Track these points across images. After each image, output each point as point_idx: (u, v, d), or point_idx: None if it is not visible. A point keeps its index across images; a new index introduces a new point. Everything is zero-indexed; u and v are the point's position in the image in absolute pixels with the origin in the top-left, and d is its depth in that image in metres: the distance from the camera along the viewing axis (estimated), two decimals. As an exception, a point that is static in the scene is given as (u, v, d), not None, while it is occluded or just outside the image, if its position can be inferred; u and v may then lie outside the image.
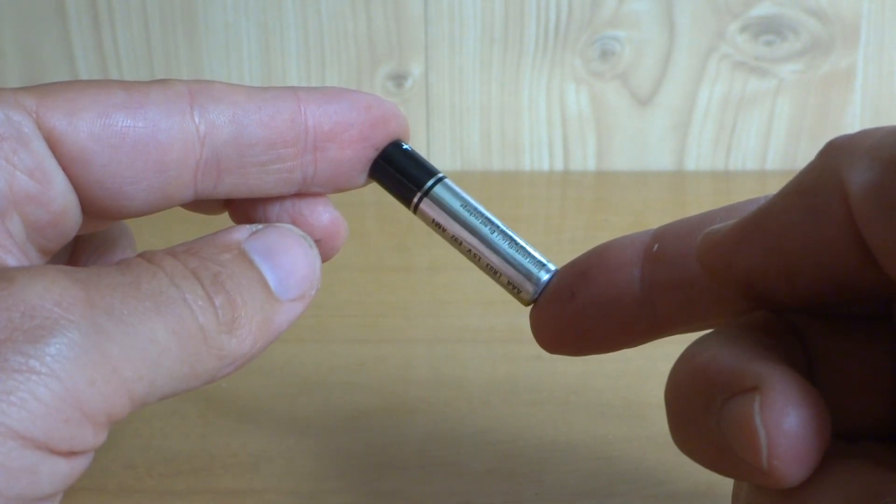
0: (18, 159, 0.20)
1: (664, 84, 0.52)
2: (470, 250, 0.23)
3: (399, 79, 0.52)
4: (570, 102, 0.52)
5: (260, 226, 0.21)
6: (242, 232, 0.21)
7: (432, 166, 0.23)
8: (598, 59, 0.51)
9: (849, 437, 0.19)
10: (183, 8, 0.51)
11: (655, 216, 0.44)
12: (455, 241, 0.23)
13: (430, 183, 0.23)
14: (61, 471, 0.17)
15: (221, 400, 0.31)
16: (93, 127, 0.20)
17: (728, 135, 0.52)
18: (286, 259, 0.21)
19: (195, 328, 0.19)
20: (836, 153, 0.17)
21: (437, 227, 0.23)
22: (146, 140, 0.21)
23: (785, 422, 0.16)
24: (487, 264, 0.23)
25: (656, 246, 0.21)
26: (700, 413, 0.17)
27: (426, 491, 0.27)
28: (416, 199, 0.23)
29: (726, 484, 0.20)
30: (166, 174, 0.21)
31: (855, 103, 0.52)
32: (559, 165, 0.53)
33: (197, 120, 0.21)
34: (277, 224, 0.22)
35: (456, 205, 0.23)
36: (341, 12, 0.51)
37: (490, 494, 0.27)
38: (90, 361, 0.17)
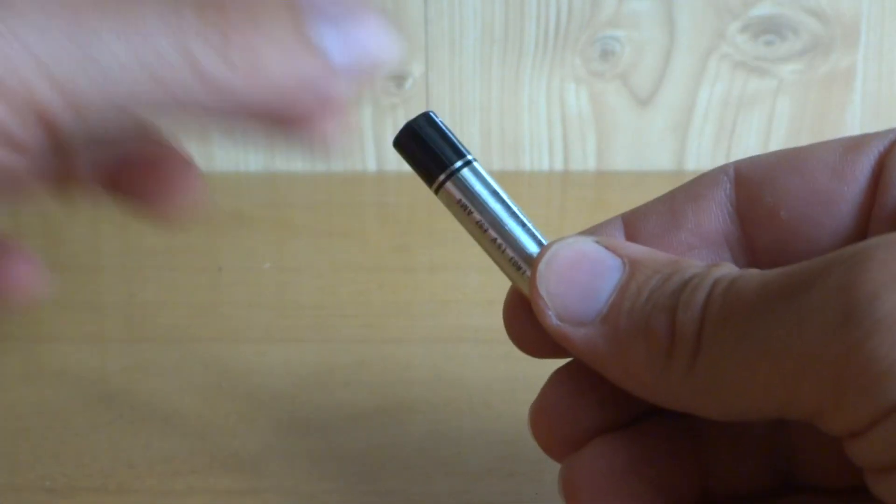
0: None
1: (664, 84, 0.52)
2: (494, 240, 0.21)
3: (399, 79, 0.52)
4: (570, 102, 0.52)
5: None
6: None
7: (463, 146, 0.22)
8: (598, 58, 0.51)
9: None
10: (183, 8, 0.51)
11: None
12: (478, 229, 0.21)
13: (458, 164, 0.21)
14: None
15: (221, 400, 0.31)
16: None
17: (728, 135, 0.52)
18: (350, 21, 0.18)
19: (165, 36, 0.17)
20: None
21: (462, 210, 0.22)
22: None
23: None
24: (511, 258, 0.21)
25: None
26: None
27: (426, 491, 0.27)
28: (440, 179, 0.21)
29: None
30: None
31: (855, 103, 0.52)
32: (559, 165, 0.53)
33: None
34: None
35: (483, 192, 0.21)
36: (341, 12, 0.51)
37: (490, 494, 0.27)
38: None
